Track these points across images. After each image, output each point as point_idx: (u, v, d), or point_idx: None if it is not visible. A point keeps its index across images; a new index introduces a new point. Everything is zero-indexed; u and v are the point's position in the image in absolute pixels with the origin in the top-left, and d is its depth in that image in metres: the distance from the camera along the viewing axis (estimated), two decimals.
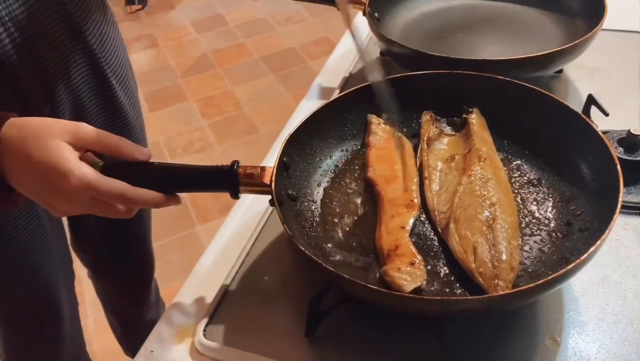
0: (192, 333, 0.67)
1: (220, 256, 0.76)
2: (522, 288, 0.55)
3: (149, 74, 2.97)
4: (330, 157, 0.79)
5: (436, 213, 0.70)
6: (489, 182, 0.70)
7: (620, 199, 0.60)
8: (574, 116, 0.72)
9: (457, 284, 0.63)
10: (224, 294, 0.71)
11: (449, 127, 0.81)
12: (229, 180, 0.66)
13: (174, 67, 3.04)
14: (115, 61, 0.89)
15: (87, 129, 0.62)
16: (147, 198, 0.64)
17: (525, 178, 0.74)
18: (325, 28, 3.19)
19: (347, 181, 0.77)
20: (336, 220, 0.72)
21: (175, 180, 0.67)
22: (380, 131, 0.80)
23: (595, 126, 0.70)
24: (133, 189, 0.62)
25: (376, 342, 0.64)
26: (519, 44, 1.01)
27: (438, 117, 0.82)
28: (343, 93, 0.81)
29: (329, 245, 0.68)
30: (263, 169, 0.67)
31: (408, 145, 0.79)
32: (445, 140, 0.79)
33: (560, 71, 0.99)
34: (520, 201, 0.71)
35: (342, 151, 0.80)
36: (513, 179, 0.74)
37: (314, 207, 0.73)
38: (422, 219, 0.70)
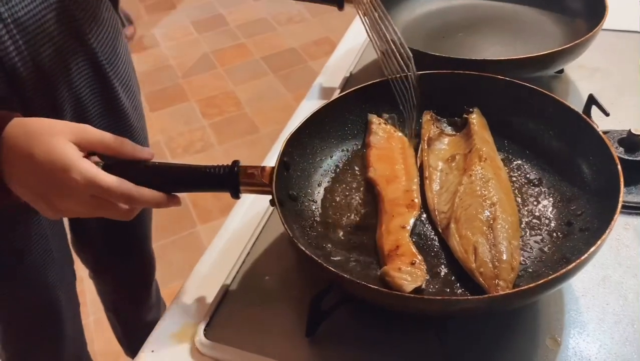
0: (193, 333, 0.67)
1: (221, 256, 0.76)
2: (522, 288, 0.55)
3: (149, 74, 2.96)
4: (331, 157, 0.79)
5: (437, 213, 0.70)
6: (489, 182, 0.70)
7: (620, 199, 0.60)
8: (575, 116, 0.72)
9: (458, 284, 0.63)
10: (225, 294, 0.71)
11: (449, 127, 0.81)
12: (229, 180, 0.66)
13: (174, 67, 3.04)
14: (118, 64, 0.89)
15: (91, 131, 0.62)
16: (149, 197, 0.64)
17: (526, 178, 0.74)
18: (326, 28, 3.19)
19: (348, 181, 0.77)
20: (337, 220, 0.72)
21: (176, 180, 0.67)
22: (380, 131, 0.80)
23: (595, 126, 0.70)
24: (136, 187, 0.62)
25: (377, 342, 0.64)
26: (520, 44, 1.01)
27: (439, 117, 0.82)
28: (344, 93, 0.81)
29: (330, 245, 0.68)
30: (264, 169, 0.67)
31: (408, 145, 0.79)
32: (446, 140, 0.79)
33: (561, 71, 0.99)
34: (520, 201, 0.71)
35: (342, 151, 0.80)
36: (514, 179, 0.74)
37: (314, 207, 0.73)
38: (423, 219, 0.70)
